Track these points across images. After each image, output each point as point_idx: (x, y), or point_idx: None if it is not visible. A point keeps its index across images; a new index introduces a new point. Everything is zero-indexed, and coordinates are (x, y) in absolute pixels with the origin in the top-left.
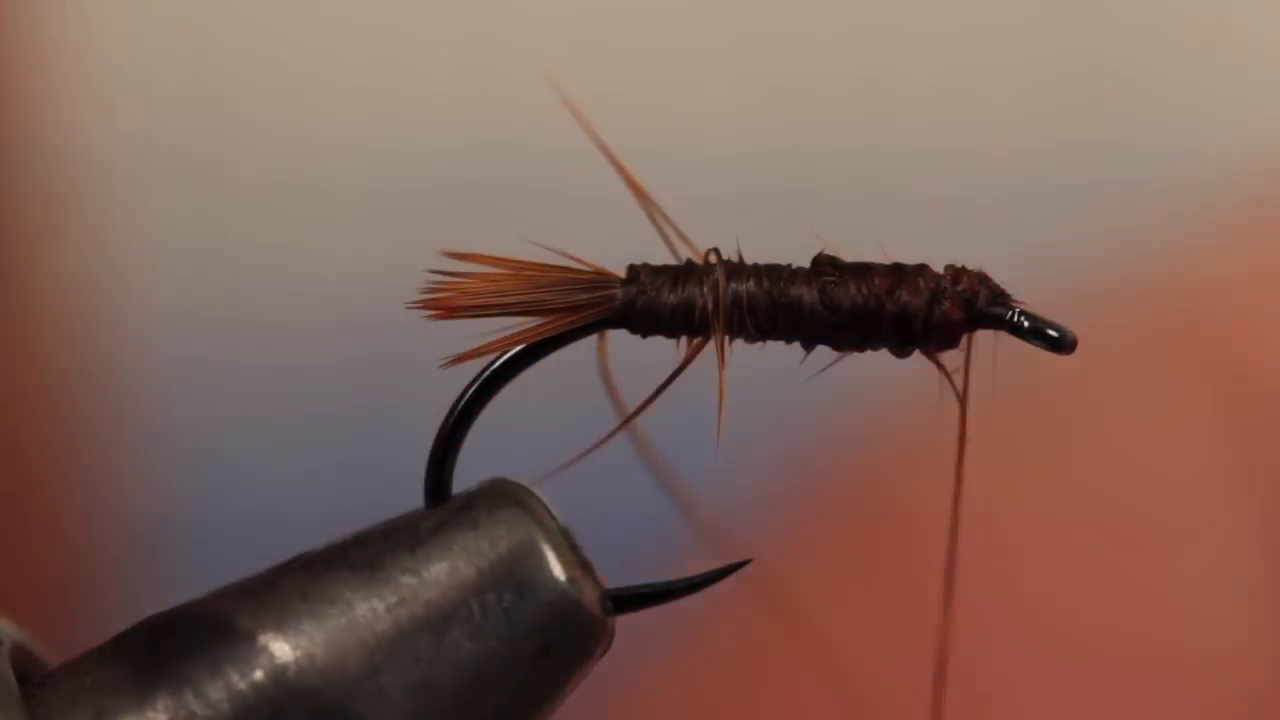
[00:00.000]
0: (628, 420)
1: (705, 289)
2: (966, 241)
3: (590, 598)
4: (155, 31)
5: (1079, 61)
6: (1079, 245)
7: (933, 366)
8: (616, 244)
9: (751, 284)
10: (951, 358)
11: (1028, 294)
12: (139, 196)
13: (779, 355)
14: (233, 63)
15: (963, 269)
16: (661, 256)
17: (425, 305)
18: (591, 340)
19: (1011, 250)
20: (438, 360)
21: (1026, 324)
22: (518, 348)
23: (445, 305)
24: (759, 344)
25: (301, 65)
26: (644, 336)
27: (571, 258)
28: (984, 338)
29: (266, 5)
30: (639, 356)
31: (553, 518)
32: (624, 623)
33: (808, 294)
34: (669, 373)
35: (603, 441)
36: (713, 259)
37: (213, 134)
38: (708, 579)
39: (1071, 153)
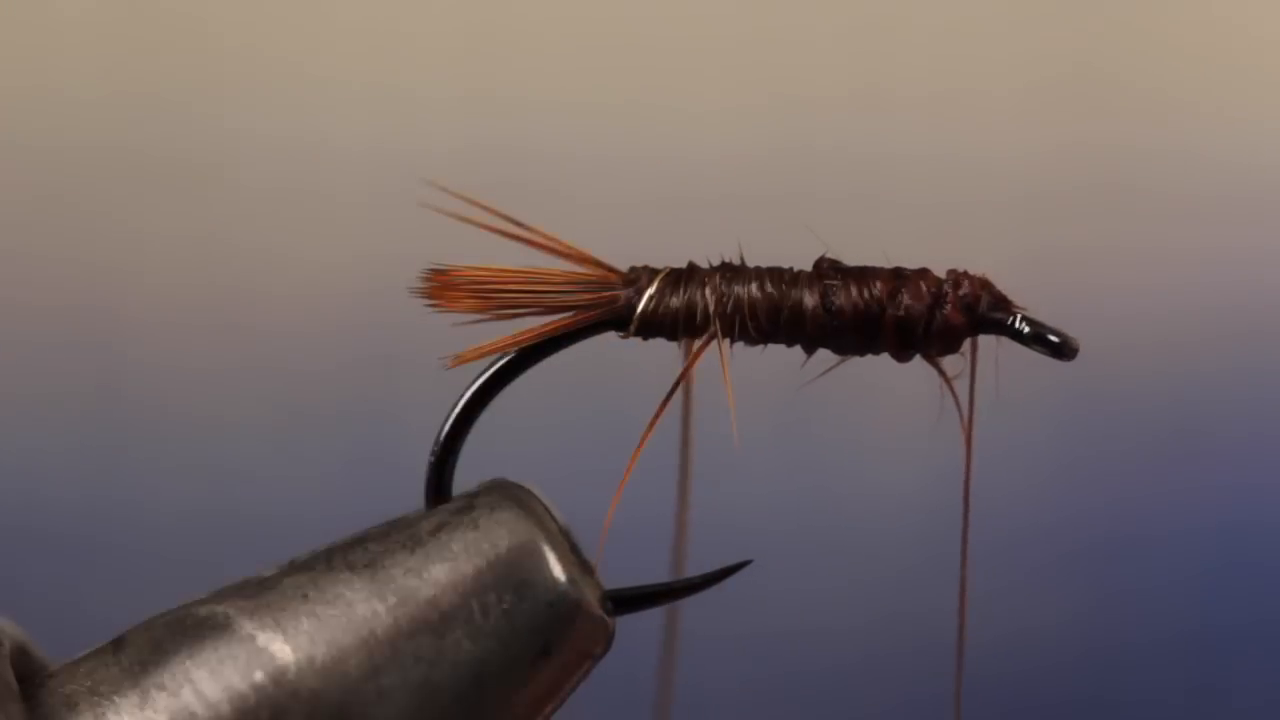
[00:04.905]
0: (650, 427)
1: (707, 292)
2: (967, 245)
3: (591, 598)
4: (155, 32)
5: (1079, 66)
6: (1079, 249)
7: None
8: (617, 246)
9: (753, 287)
10: (952, 362)
11: (1027, 298)
12: (138, 198)
13: (780, 358)
14: (231, 64)
15: (964, 273)
16: (663, 258)
17: (427, 293)
18: (589, 343)
19: (1011, 254)
20: (438, 361)
21: (1027, 329)
22: (519, 349)
23: (448, 290)
24: (760, 347)
25: (301, 67)
26: (645, 339)
27: (577, 256)
28: (986, 343)
29: (267, 6)
30: (638, 358)
31: (553, 518)
32: (624, 623)
33: (809, 297)
34: (659, 371)
35: (638, 450)
36: (714, 262)
37: (211, 136)
38: (709, 580)
39: (1072, 157)
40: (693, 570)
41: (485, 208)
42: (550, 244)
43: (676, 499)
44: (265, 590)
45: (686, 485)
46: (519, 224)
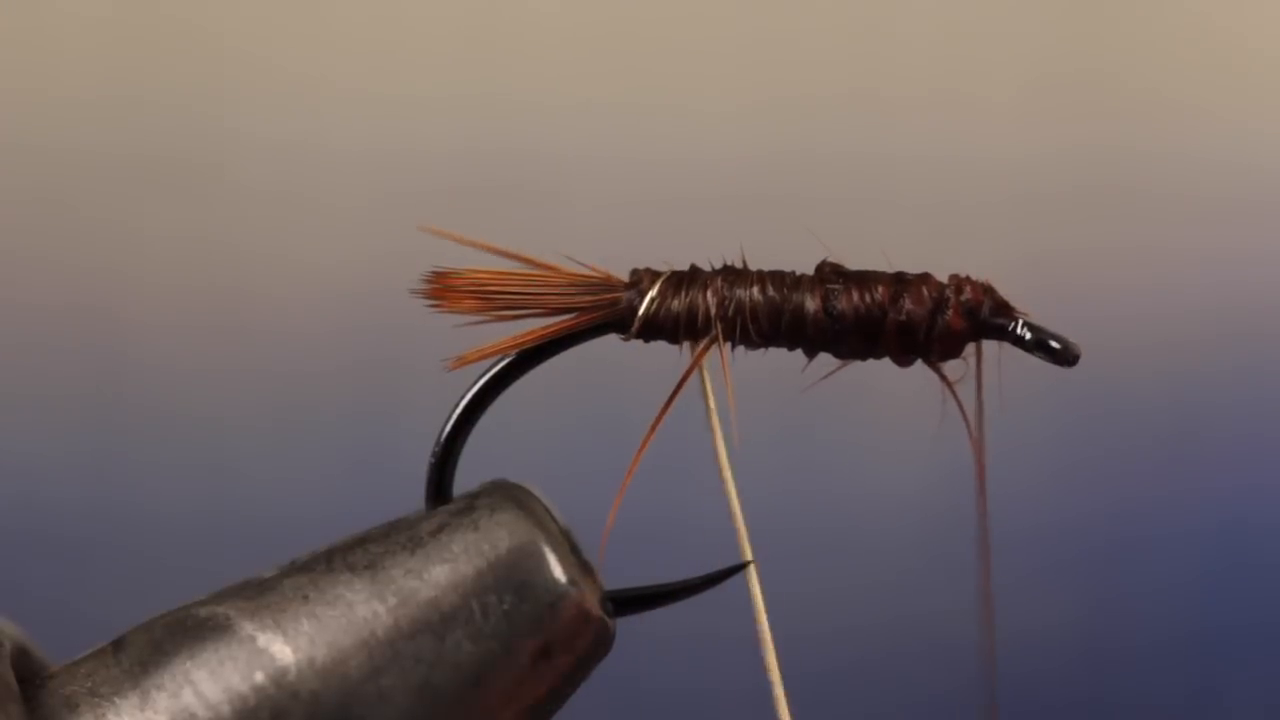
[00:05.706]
0: (653, 429)
1: (708, 294)
2: (967, 246)
3: (591, 600)
4: (155, 33)
5: (1079, 67)
6: (1079, 250)
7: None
8: (618, 248)
9: (755, 290)
10: (952, 366)
11: (1027, 299)
12: (138, 198)
13: (782, 361)
14: (231, 65)
15: (967, 279)
16: (663, 260)
17: (428, 294)
18: (590, 345)
19: (1011, 255)
20: (439, 363)
21: (1029, 336)
22: (520, 350)
23: (449, 292)
24: (761, 350)
25: (300, 68)
26: (646, 341)
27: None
28: (988, 346)
29: (265, 7)
30: (639, 360)
31: (553, 519)
32: (624, 624)
33: (810, 301)
34: (661, 374)
35: (640, 452)
36: (715, 263)
37: (212, 137)
38: (709, 581)
39: (1072, 158)
40: (698, 571)
41: (480, 245)
42: (543, 267)
43: (726, 494)
44: (265, 591)
45: (729, 479)
46: (512, 253)
